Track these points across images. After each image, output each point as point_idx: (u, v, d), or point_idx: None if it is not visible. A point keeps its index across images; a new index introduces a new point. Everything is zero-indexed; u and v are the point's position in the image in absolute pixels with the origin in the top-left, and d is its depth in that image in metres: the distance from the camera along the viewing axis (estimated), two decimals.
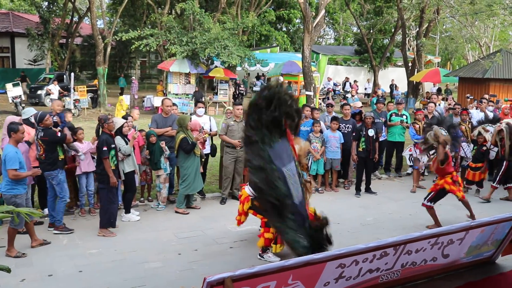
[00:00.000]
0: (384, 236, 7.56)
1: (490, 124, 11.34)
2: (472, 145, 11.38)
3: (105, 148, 7.86)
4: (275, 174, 5.48)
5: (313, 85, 21.44)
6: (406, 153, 11.93)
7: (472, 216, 8.75)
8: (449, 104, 15.42)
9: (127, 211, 8.82)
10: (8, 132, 7.30)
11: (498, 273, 4.32)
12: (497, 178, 10.46)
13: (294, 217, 5.64)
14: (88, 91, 24.40)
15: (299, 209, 5.70)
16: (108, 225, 8.02)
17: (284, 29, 47.01)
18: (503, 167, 10.36)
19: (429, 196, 8.86)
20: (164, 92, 25.55)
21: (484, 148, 10.73)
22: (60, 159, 7.89)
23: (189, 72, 24.05)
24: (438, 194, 8.83)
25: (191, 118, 9.69)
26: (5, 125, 7.78)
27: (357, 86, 33.68)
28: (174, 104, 10.74)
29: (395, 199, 10.69)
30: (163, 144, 9.42)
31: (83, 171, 8.72)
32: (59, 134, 7.97)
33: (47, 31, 30.19)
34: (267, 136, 5.53)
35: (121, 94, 26.62)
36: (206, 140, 10.10)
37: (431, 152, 9.52)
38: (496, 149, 10.96)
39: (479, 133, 10.82)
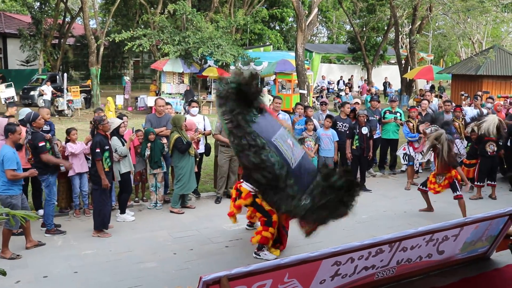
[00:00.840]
0: (379, 234, 7.57)
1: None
2: (465, 142, 11.43)
3: (98, 150, 7.81)
4: (265, 147, 5.74)
5: (307, 83, 21.49)
6: (400, 152, 11.91)
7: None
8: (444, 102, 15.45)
9: (122, 212, 8.80)
10: (5, 132, 7.28)
11: (492, 268, 4.35)
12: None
13: (294, 181, 5.80)
14: (81, 92, 24.34)
15: (300, 171, 5.87)
16: (101, 226, 8.00)
17: (277, 27, 47.02)
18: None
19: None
20: (157, 92, 25.51)
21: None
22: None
23: (183, 71, 24.03)
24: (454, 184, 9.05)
25: (185, 118, 9.67)
26: None
27: (351, 84, 33.73)
28: (168, 104, 10.72)
29: (389, 196, 10.71)
30: (164, 140, 9.41)
31: (76, 172, 8.68)
32: (48, 137, 7.98)
33: (39, 32, 30.03)
34: (246, 114, 5.79)
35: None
36: (200, 140, 10.09)
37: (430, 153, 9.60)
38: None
39: (473, 130, 10.84)
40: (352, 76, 37.29)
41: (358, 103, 12.64)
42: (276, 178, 5.96)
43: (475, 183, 10.72)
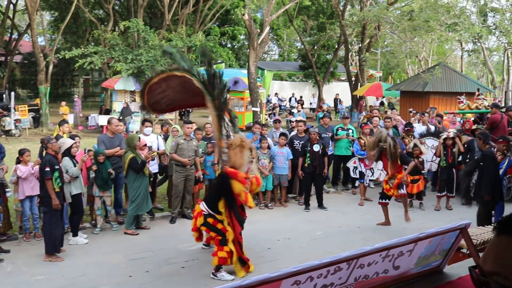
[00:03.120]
0: (335, 250, 7.67)
1: (432, 137, 11.73)
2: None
3: (47, 169, 7.62)
4: None
5: (259, 101, 21.63)
6: (350, 164, 11.97)
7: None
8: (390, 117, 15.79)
9: (75, 234, 8.58)
10: None
11: (446, 281, 4.45)
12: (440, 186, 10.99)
13: None
14: (29, 111, 23.68)
15: None
16: (53, 250, 7.76)
17: (229, 45, 47.23)
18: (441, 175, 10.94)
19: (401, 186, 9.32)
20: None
21: (420, 159, 10.89)
22: None
23: (135, 89, 23.76)
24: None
25: (139, 138, 9.57)
26: None
27: (303, 101, 34.15)
28: (121, 121, 10.66)
29: (343, 212, 10.85)
30: (111, 171, 9.25)
31: (26, 195, 8.42)
32: None
33: None
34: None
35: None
36: (154, 159, 9.99)
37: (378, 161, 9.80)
38: (437, 160, 11.32)
39: (415, 145, 10.95)
40: (301, 97, 37.80)
41: (302, 121, 12.58)
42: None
43: (437, 194, 11.04)
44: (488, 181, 8.67)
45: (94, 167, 9.01)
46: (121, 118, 17.88)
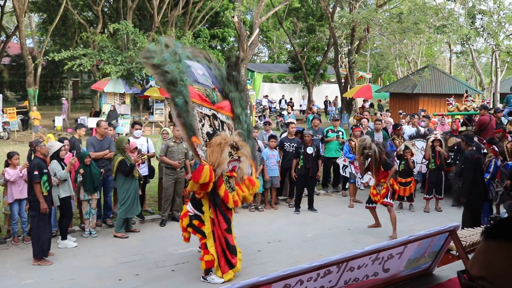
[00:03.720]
0: (325, 252, 7.68)
1: (421, 139, 11.77)
2: (399, 161, 11.61)
3: (36, 173, 7.56)
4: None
5: (249, 103, 21.63)
6: (340, 161, 11.92)
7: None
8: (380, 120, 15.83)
9: (64, 238, 8.52)
10: None
11: (435, 284, 4.46)
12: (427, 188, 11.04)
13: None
14: (18, 113, 23.51)
15: None
16: (41, 254, 7.69)
17: (219, 47, 47.16)
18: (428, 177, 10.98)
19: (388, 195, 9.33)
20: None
21: (412, 160, 10.92)
22: None
23: (124, 92, 23.68)
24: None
25: (129, 140, 9.53)
26: None
27: (293, 103, 34.19)
28: (110, 125, 10.61)
29: (333, 214, 10.86)
30: (103, 170, 9.19)
31: (15, 198, 8.34)
32: None
33: None
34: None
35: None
36: (144, 162, 9.95)
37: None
38: (427, 162, 11.35)
39: (406, 147, 10.94)
40: (291, 99, 37.80)
41: (294, 123, 12.56)
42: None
43: (425, 196, 11.13)
44: (467, 183, 8.74)
45: (81, 171, 8.93)
46: (107, 121, 17.83)
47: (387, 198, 9.26)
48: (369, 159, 9.37)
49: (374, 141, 9.47)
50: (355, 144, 11.56)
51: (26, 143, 10.14)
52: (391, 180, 9.35)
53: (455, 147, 11.20)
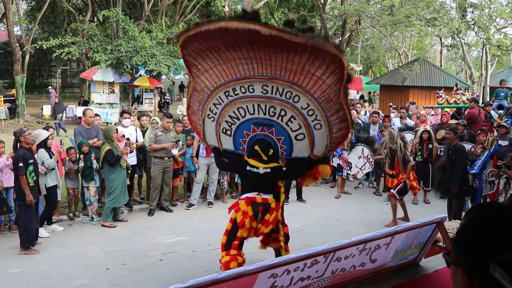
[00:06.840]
0: (313, 243, 7.67)
1: (411, 132, 11.79)
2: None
3: (21, 164, 7.42)
4: None
5: None
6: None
7: (406, 218, 9.21)
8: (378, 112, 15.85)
9: (41, 225, 8.28)
10: None
11: (422, 274, 4.49)
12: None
13: None
14: (5, 101, 23.28)
15: None
16: (27, 244, 7.61)
17: None
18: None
19: (398, 187, 9.30)
20: None
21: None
22: None
23: (113, 81, 23.47)
24: (404, 188, 9.33)
25: (117, 129, 9.45)
26: None
27: None
28: (97, 115, 10.51)
29: (322, 205, 10.87)
30: (93, 156, 9.13)
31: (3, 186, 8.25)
32: None
33: None
34: None
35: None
36: (132, 151, 9.87)
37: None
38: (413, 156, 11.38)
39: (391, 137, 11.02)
40: None
41: None
42: None
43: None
44: (459, 174, 8.81)
45: (82, 157, 8.97)
46: (52, 115, 17.43)
47: (395, 190, 9.29)
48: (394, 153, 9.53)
49: (399, 135, 9.64)
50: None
51: (13, 132, 10.02)
52: (409, 175, 9.42)
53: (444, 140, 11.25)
